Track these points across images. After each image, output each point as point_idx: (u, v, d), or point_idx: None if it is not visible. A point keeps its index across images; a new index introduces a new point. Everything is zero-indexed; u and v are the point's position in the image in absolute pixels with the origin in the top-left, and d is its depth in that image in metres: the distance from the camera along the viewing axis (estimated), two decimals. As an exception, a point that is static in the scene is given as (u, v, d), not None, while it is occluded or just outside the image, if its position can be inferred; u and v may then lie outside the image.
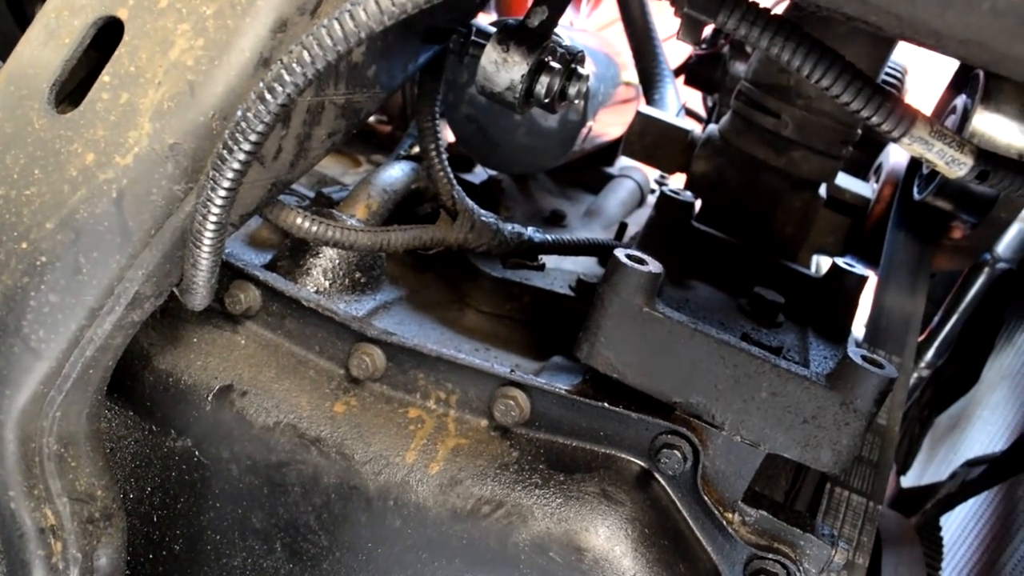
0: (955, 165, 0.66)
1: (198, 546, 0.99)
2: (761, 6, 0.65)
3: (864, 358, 0.86)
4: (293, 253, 1.07)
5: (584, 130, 1.47)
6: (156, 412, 0.97)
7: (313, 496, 0.92)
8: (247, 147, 0.63)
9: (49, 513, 0.88)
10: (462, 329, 1.15)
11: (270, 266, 1.07)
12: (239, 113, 0.62)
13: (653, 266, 0.88)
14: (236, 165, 0.64)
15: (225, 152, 0.63)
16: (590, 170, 1.79)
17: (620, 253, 0.88)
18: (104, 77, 0.79)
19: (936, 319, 1.63)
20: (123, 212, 0.78)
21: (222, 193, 0.65)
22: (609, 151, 1.82)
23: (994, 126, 1.26)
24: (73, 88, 0.84)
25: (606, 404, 0.89)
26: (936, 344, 1.63)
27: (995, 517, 1.72)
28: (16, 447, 0.85)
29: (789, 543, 0.89)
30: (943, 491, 1.61)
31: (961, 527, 1.80)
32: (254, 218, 1.22)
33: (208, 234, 0.70)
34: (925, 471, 1.97)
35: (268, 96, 0.61)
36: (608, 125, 1.66)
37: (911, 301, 1.34)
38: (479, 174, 1.57)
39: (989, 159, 0.67)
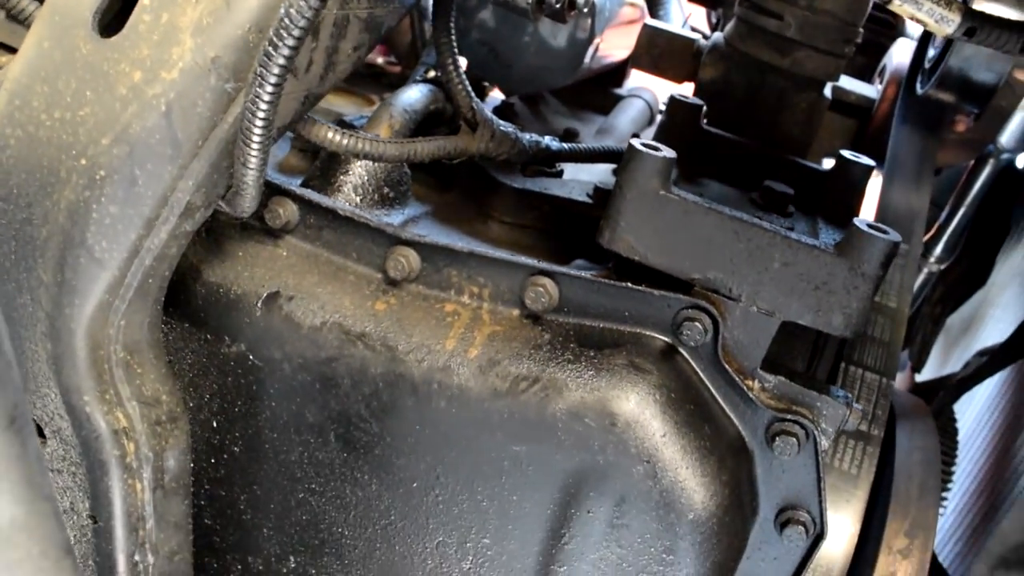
0: (944, 22, 0.70)
1: (256, 446, 1.06)
2: None
3: (869, 226, 0.91)
4: (324, 172, 1.13)
5: (592, 47, 1.51)
6: (210, 321, 1.03)
7: (362, 386, 0.99)
8: (291, 42, 0.68)
9: (121, 416, 0.95)
10: (487, 239, 1.21)
11: (303, 186, 1.13)
12: (282, 10, 0.68)
13: (667, 152, 0.93)
14: (281, 60, 0.69)
15: (271, 48, 0.69)
16: (600, 91, 1.83)
17: (635, 141, 0.94)
18: (144, 0, 0.85)
19: (944, 214, 1.68)
20: (172, 124, 0.84)
21: (269, 89, 0.71)
22: (617, 73, 1.86)
23: None
24: (114, 15, 0.90)
25: (629, 284, 0.95)
26: (944, 238, 1.67)
27: (1009, 406, 1.77)
28: (87, 354, 0.92)
29: (806, 405, 0.95)
30: (956, 378, 1.67)
31: (976, 419, 1.86)
32: (282, 148, 1.29)
33: (257, 131, 0.75)
34: (940, 369, 2.03)
35: (307, -9, 0.66)
36: (614, 47, 1.70)
37: (916, 195, 1.39)
38: (492, 101, 1.62)
39: (975, 16, 0.72)
